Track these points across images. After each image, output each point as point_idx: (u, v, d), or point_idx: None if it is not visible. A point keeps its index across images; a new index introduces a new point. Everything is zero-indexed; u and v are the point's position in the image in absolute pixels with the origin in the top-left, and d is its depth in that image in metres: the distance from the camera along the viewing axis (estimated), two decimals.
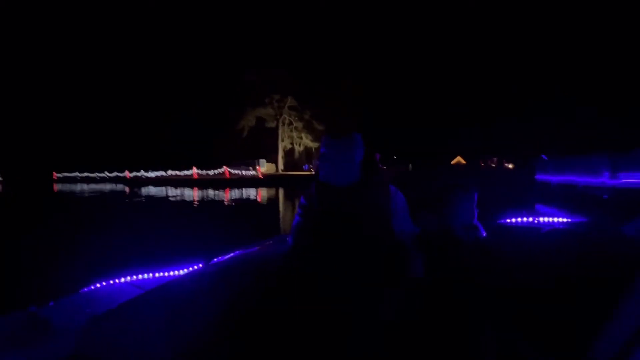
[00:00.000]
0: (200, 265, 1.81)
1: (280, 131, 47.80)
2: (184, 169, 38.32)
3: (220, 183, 31.71)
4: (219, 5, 54.57)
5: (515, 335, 1.14)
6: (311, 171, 42.76)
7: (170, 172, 39.39)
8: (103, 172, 48.67)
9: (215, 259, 1.72)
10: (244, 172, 35.19)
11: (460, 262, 1.37)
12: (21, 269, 5.19)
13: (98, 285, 1.71)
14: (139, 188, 31.52)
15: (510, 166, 49.35)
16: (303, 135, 48.61)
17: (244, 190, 26.72)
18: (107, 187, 35.18)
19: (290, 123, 48.55)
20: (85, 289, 1.67)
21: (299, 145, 49.34)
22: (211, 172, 37.03)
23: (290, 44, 46.73)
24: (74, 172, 50.76)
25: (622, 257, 1.33)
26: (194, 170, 37.38)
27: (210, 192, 25.07)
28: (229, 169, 35.85)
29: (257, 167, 37.77)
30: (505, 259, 1.39)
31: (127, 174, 45.32)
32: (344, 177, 1.43)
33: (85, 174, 50.19)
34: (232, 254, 1.69)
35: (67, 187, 37.54)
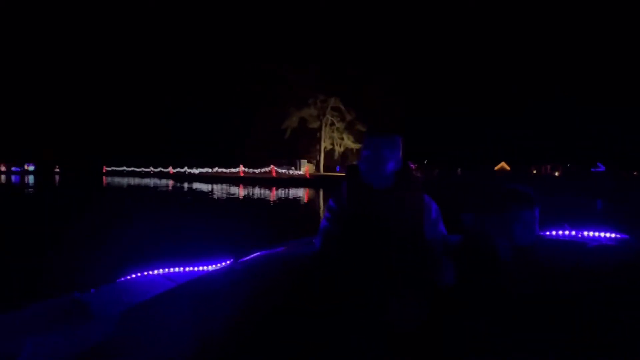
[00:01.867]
0: (229, 262, 1.71)
1: (322, 132, 45.66)
2: (230, 167, 36.91)
3: (268, 182, 29.60)
4: (266, 5, 52.99)
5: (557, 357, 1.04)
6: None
7: (216, 169, 38.14)
8: (149, 167, 48.50)
9: (243, 257, 1.63)
10: (291, 172, 33.13)
11: (497, 275, 1.22)
12: (67, 256, 5.24)
13: (134, 275, 1.70)
14: (182, 183, 30.37)
15: (557, 174, 44.45)
16: (344, 136, 46.20)
17: (298, 190, 24.41)
18: (151, 181, 34.32)
19: (332, 124, 46.34)
20: (122, 279, 1.66)
21: (340, 146, 46.97)
22: (257, 171, 35.32)
23: (334, 44, 44.26)
24: (122, 166, 51.32)
25: None
26: (241, 168, 35.77)
27: (270, 191, 23.29)
28: (275, 168, 33.84)
29: (305, 167, 35.75)
30: (545, 274, 1.25)
31: (170, 169, 44.67)
32: (381, 178, 1.36)
33: (132, 169, 50.41)
34: (259, 253, 1.62)
35: (114, 180, 37.66)
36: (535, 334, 1.09)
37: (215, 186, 27.14)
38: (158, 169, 47.56)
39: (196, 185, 28.31)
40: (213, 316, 1.21)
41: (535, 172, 47.27)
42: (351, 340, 1.11)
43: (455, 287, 1.23)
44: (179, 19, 57.17)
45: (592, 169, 46.58)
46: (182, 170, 43.38)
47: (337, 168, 44.37)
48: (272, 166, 34.23)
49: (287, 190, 24.11)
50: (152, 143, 54.55)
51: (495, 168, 53.19)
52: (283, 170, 33.90)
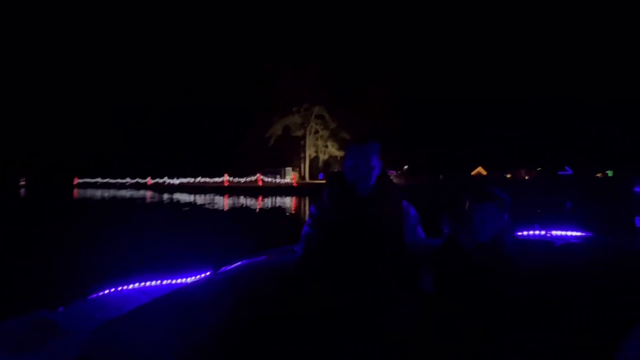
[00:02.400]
0: (208, 273, 1.65)
1: (307, 140, 45.09)
2: (214, 176, 35.20)
3: (255, 191, 28.38)
4: (248, 11, 52.04)
5: (532, 347, 1.09)
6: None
7: (200, 179, 36.31)
8: (125, 178, 45.78)
9: (223, 267, 1.59)
10: (277, 180, 32.04)
11: (465, 276, 1.25)
12: (32, 273, 4.95)
13: (106, 291, 1.61)
14: (162, 194, 28.66)
15: (527, 177, 46.25)
16: (329, 143, 45.80)
17: (287, 198, 23.39)
18: (128, 193, 32.20)
19: (317, 132, 45.88)
20: (94, 295, 1.58)
21: (324, 154, 46.48)
22: (242, 180, 33.91)
23: (319, 49, 43.94)
24: (96, 178, 48.14)
25: (636, 271, 1.28)
26: (226, 177, 34.22)
27: (252, 201, 21.76)
28: (262, 177, 32.62)
29: (292, 175, 34.72)
30: (519, 272, 1.29)
31: (148, 180, 42.35)
32: (366, 185, 1.36)
33: (107, 180, 47.36)
34: (239, 263, 1.61)
35: (86, 192, 35.38)
36: (507, 330, 1.12)
37: (199, 197, 25.68)
38: (135, 180, 44.97)
39: (178, 196, 26.72)
40: (191, 329, 1.17)
41: (509, 176, 48.77)
42: (344, 343, 1.10)
43: (436, 290, 1.24)
44: (158, 26, 55.17)
45: (560, 172, 48.89)
46: (162, 180, 41.16)
47: (320, 176, 43.84)
48: (258, 175, 33.01)
49: (275, 199, 23.26)
50: (129, 153, 51.73)
51: (472, 173, 54.51)
52: (269, 179, 32.73)
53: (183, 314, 1.22)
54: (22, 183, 49.86)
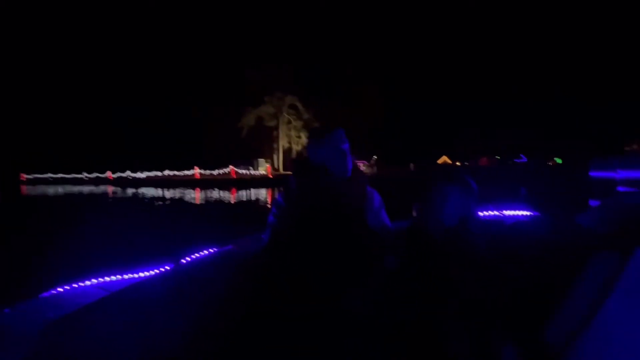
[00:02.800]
0: (170, 266, 1.59)
1: (280, 130, 43.97)
2: (183, 169, 32.98)
3: (229, 183, 27.09)
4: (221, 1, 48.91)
5: (483, 323, 1.14)
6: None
7: (167, 172, 33.87)
8: (81, 172, 41.86)
9: (185, 259, 1.55)
10: (252, 172, 30.79)
11: (431, 258, 1.28)
12: None
13: (61, 289, 1.50)
14: (124, 190, 26.61)
15: (485, 164, 49.21)
16: (302, 134, 45.00)
17: (262, 190, 22.49)
18: (86, 189, 29.52)
19: (290, 122, 44.88)
20: (46, 294, 1.46)
21: (297, 144, 45.69)
22: (215, 172, 32.18)
23: (291, 41, 42.65)
24: (47, 173, 43.63)
25: (574, 246, 1.35)
26: (196, 170, 32.23)
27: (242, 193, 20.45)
28: (235, 169, 31.13)
29: (267, 167, 33.54)
30: (473, 250, 1.34)
31: (109, 174, 39.12)
32: (340, 172, 1.37)
33: (60, 175, 43.03)
34: (202, 254, 1.56)
35: (37, 189, 32.25)
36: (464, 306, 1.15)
37: (169, 191, 23.99)
38: (94, 174, 41.34)
39: (145, 191, 24.81)
40: (150, 323, 1.13)
41: (467, 163, 51.41)
42: (312, 329, 1.10)
43: (397, 272, 1.26)
44: (128, 9, 50.34)
45: (516, 160, 52.32)
46: (124, 174, 38.14)
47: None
48: (231, 167, 31.50)
49: (252, 191, 22.28)
50: (86, 145, 47.31)
51: (439, 161, 56.70)
52: (243, 171, 31.39)
53: (141, 309, 1.16)
54: None
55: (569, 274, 1.13)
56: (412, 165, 43.43)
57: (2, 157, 48.96)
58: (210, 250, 1.59)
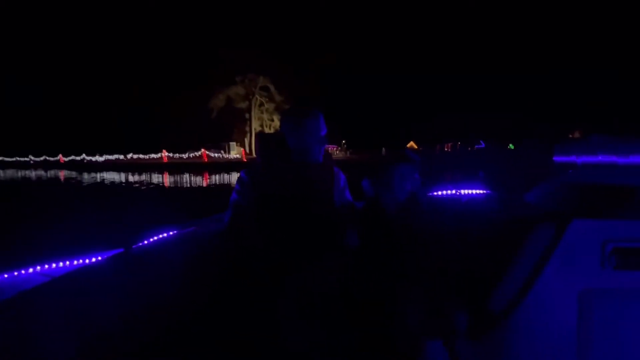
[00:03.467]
0: (121, 250, 1.52)
1: (252, 112, 42.02)
2: (150, 152, 30.10)
3: (201, 167, 25.16)
4: None
5: (438, 294, 1.18)
6: None
7: (131, 155, 30.73)
8: (27, 156, 37.09)
9: (139, 242, 1.48)
10: (225, 156, 28.90)
11: (388, 232, 1.33)
12: None
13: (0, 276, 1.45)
14: (80, 174, 23.93)
15: (446, 149, 51.27)
16: (275, 117, 43.43)
17: (236, 175, 21.14)
18: (33, 173, 26.20)
19: (262, 104, 43.01)
20: None
21: (270, 127, 44.12)
22: (185, 156, 29.73)
23: (264, 22, 40.19)
24: None
25: (521, 220, 1.39)
26: (164, 154, 29.50)
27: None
28: (207, 152, 28.95)
29: (241, 150, 31.68)
30: (430, 226, 1.41)
31: (60, 157, 35.07)
32: (313, 154, 1.37)
33: (2, 158, 37.87)
34: (161, 237, 1.51)
35: None
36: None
37: (132, 176, 21.74)
38: (42, 158, 36.83)
39: (103, 175, 22.33)
40: (95, 309, 1.09)
41: (437, 148, 53.13)
42: (273, 310, 1.09)
43: (358, 248, 1.31)
44: None
45: (476, 146, 55.05)
46: (79, 158, 34.31)
47: None
48: (203, 150, 29.28)
49: (227, 176, 20.78)
50: (31, 125, 41.80)
51: (407, 146, 58.09)
52: (215, 154, 29.39)
53: (84, 294, 1.10)
54: None
55: (514, 245, 1.19)
56: (383, 150, 43.71)
57: None
58: (171, 232, 1.53)
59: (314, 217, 1.31)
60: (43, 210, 8.66)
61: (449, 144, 55.14)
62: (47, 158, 36.61)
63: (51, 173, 26.72)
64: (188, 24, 38.81)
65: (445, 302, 1.18)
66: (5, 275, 1.42)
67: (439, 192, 2.10)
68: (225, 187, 15.35)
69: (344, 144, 45.56)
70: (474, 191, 2.12)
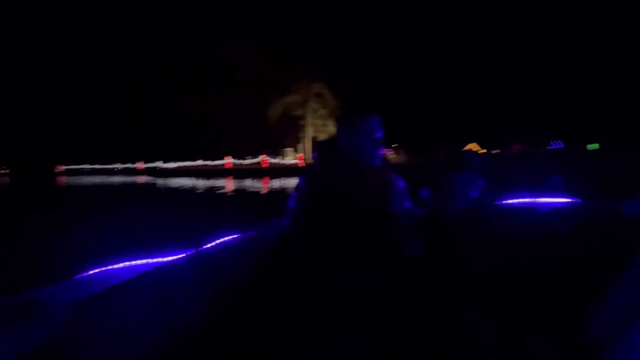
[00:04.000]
0: (193, 251, 1.63)
1: (307, 119, 43.11)
2: (214, 159, 32.56)
3: (262, 173, 26.45)
4: None
5: (513, 315, 1.09)
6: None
7: (200, 162, 33.60)
8: (114, 164, 42.48)
9: (206, 244, 1.59)
10: (282, 161, 30.04)
11: (453, 242, 1.27)
12: (18, 256, 4.99)
13: (92, 271, 1.59)
14: (159, 179, 26.55)
15: (516, 151, 46.23)
16: (328, 122, 43.92)
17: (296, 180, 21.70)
18: (120, 179, 29.66)
19: (316, 110, 43.84)
20: (80, 275, 1.55)
21: (323, 133, 44.69)
22: (245, 162, 31.55)
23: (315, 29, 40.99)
24: (82, 164, 44.59)
25: (620, 236, 1.28)
26: (229, 160, 31.67)
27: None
28: (267, 158, 30.36)
29: (299, 156, 32.76)
30: (502, 238, 1.31)
31: (141, 165, 39.43)
32: (369, 159, 1.32)
33: (95, 166, 43.88)
34: (225, 239, 1.60)
35: (72, 179, 33.36)
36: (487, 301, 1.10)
37: (201, 181, 23.53)
38: (126, 165, 41.83)
39: (175, 181, 24.49)
40: (174, 303, 1.19)
41: (499, 151, 48.61)
42: (313, 317, 1.10)
43: (419, 258, 1.25)
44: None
45: (552, 146, 49.10)
46: (155, 165, 38.27)
47: (314, 155, 42.34)
48: (263, 156, 30.75)
49: (291, 180, 21.41)
50: (117, 137, 47.81)
51: (469, 148, 54.01)
52: (275, 160, 30.64)
53: (164, 290, 1.23)
54: (5, 171, 46.47)
55: (612, 266, 1.07)
56: (441, 154, 41.60)
57: (37, 151, 50.53)
58: (233, 236, 1.61)
59: (366, 225, 1.26)
60: (125, 212, 9.61)
61: (518, 145, 50.15)
62: (130, 165, 41.44)
63: (135, 179, 30.07)
64: (249, 40, 41.24)
65: (522, 328, 1.04)
66: (99, 270, 1.56)
67: (512, 201, 1.87)
68: (282, 192, 15.85)
69: (397, 146, 44.32)
70: (555, 199, 1.84)
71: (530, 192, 1.88)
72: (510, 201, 1.87)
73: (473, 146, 56.06)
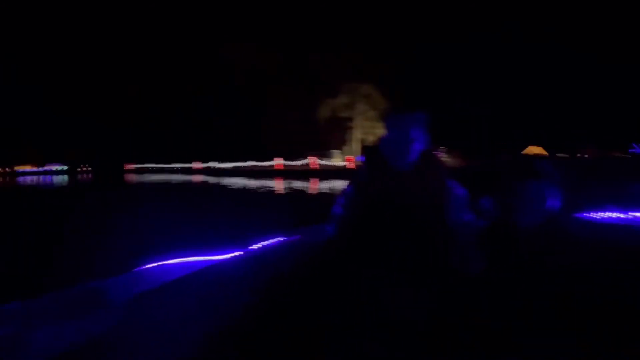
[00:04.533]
0: (240, 251, 1.69)
1: (355, 121, 42.65)
2: (263, 160, 33.72)
3: (313, 174, 26.68)
4: None
5: (580, 344, 0.95)
6: None
7: (251, 162, 35.04)
8: (173, 163, 45.87)
9: (254, 246, 1.65)
10: (331, 163, 30.05)
11: (526, 261, 1.15)
12: (85, 248, 5.28)
13: (151, 265, 1.67)
14: (218, 179, 27.89)
15: (587, 156, 40.67)
16: (375, 124, 43.02)
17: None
18: (183, 177, 31.72)
19: (364, 112, 43.16)
20: (139, 268, 1.63)
21: (372, 135, 43.80)
22: (295, 163, 32.15)
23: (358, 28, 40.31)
24: (145, 163, 48.89)
25: None
26: (280, 161, 32.54)
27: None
28: (316, 160, 30.60)
29: (348, 158, 32.68)
30: (589, 259, 1.14)
31: (196, 164, 41.97)
32: (406, 159, 1.25)
33: (159, 165, 47.88)
34: (270, 242, 1.65)
35: (140, 177, 36.11)
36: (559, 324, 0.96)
37: (252, 181, 24.21)
38: (185, 165, 44.90)
39: (229, 180, 25.47)
40: (224, 299, 1.23)
41: (568, 155, 43.47)
42: (366, 328, 1.05)
43: (482, 278, 1.13)
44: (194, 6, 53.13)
45: (630, 150, 42.64)
46: (211, 165, 40.53)
47: (358, 157, 41.56)
48: (312, 158, 31.00)
49: (337, 182, 21.19)
50: (174, 138, 51.60)
51: (531, 151, 49.36)
52: (324, 162, 30.74)
53: (216, 286, 1.28)
54: (84, 169, 53.00)
55: None
56: (502, 157, 38.58)
57: (109, 151, 56.52)
58: (279, 239, 1.62)
59: (415, 235, 1.17)
60: (182, 210, 10.22)
61: (592, 149, 44.51)
62: (188, 165, 44.38)
63: (189, 177, 32.00)
64: (294, 43, 41.95)
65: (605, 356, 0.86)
66: (155, 264, 1.63)
67: (598, 215, 1.62)
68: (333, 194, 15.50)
69: (445, 148, 41.96)
70: None
71: (618, 204, 1.64)
72: (596, 215, 1.62)
73: (536, 149, 51.12)
